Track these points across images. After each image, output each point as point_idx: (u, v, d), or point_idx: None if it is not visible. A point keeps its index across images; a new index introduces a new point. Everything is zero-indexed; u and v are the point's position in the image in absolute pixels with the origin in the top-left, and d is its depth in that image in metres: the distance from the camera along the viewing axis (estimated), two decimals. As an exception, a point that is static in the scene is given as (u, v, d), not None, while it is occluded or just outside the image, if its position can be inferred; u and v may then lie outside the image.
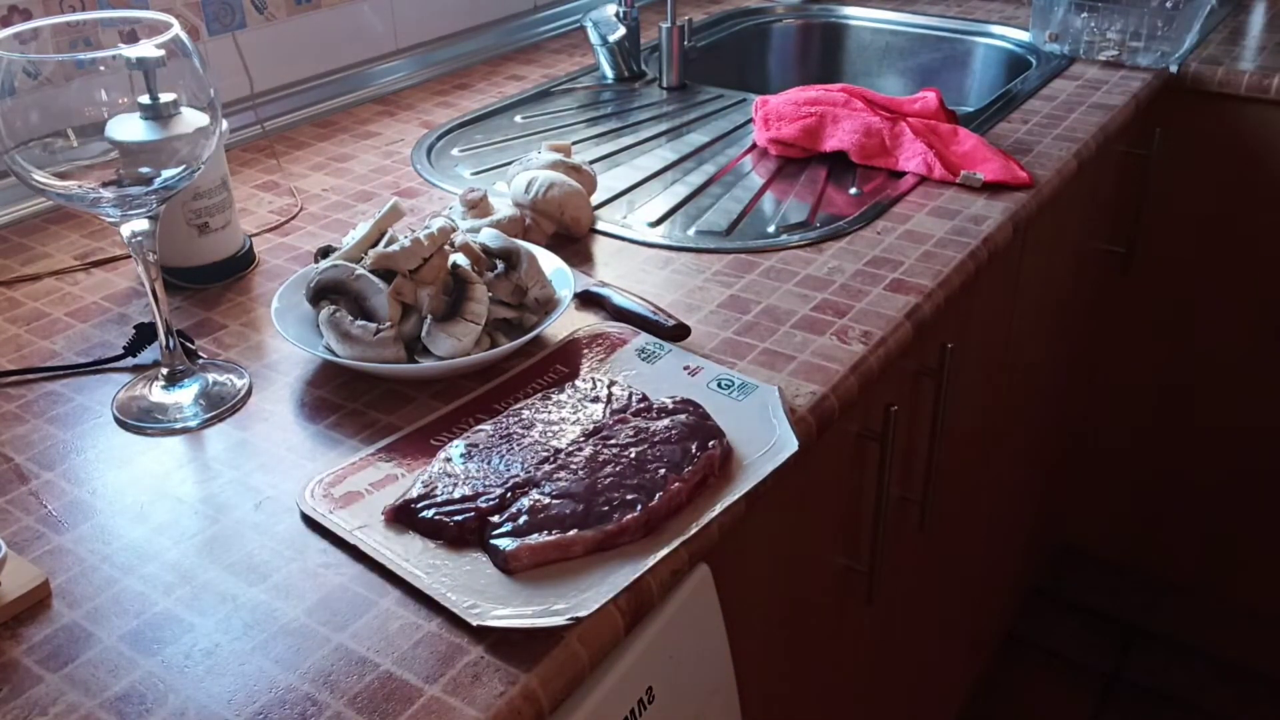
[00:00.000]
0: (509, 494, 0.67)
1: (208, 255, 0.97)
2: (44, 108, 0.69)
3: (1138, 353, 1.77)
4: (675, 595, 0.69)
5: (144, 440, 0.78)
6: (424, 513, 0.66)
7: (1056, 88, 1.42)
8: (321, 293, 0.84)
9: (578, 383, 0.80)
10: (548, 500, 0.66)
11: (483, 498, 0.67)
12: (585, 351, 0.85)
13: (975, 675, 1.68)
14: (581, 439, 0.72)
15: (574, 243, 1.04)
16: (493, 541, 0.64)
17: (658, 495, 0.67)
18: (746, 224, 1.09)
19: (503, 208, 1.02)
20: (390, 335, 0.81)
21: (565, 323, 0.90)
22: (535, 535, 0.64)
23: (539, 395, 0.78)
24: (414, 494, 0.68)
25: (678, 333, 0.86)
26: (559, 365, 0.83)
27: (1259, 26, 1.69)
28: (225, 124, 0.94)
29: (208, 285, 0.97)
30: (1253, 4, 1.77)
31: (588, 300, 0.92)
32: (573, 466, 0.69)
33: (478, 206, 1.02)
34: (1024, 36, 1.63)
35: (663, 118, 1.38)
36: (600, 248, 1.04)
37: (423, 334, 0.82)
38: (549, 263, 0.91)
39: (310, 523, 0.69)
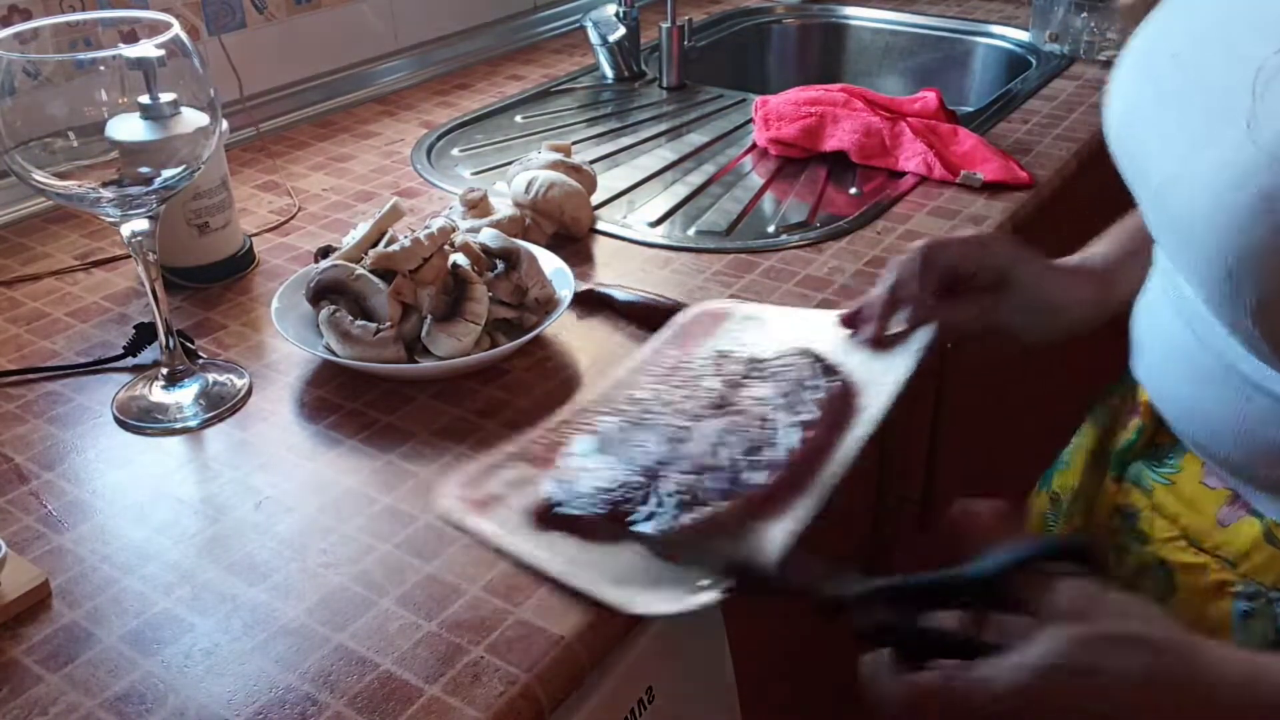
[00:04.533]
0: (648, 480, 0.66)
1: (208, 255, 0.97)
2: (44, 108, 0.69)
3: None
4: (675, 595, 0.69)
5: (144, 440, 0.78)
6: (566, 510, 0.65)
7: (1056, 88, 1.42)
8: (321, 293, 0.84)
9: (689, 361, 0.78)
10: (688, 479, 0.65)
11: (623, 488, 0.66)
12: (691, 330, 0.84)
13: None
14: (706, 413, 0.71)
15: (574, 243, 1.04)
16: (640, 529, 0.63)
17: (794, 450, 0.66)
18: (746, 224, 1.09)
19: (503, 208, 1.02)
20: (390, 335, 0.81)
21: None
22: (685, 515, 0.62)
23: (653, 380, 0.77)
24: (553, 493, 0.67)
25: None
26: (668, 350, 0.81)
27: (1259, 26, 1.68)
28: (225, 124, 0.94)
29: (208, 285, 0.97)
30: (1253, 4, 1.77)
31: (590, 301, 0.92)
32: (704, 442, 0.68)
33: (478, 206, 1.02)
34: (1024, 36, 1.63)
35: (663, 118, 1.38)
36: (600, 248, 1.04)
37: (423, 334, 0.82)
38: (549, 263, 0.91)
39: (448, 529, 0.67)
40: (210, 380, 0.83)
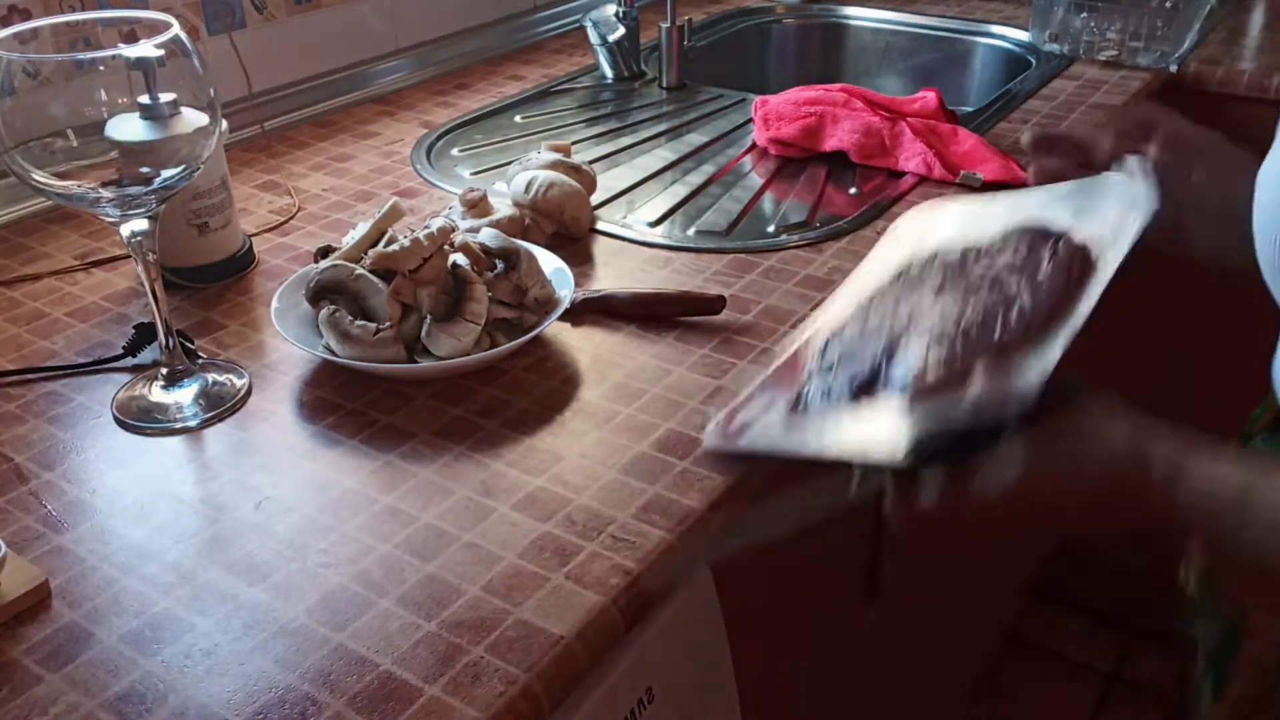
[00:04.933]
0: (886, 358, 0.66)
1: (207, 255, 0.97)
2: (44, 108, 0.70)
3: (1138, 351, 1.77)
4: (675, 595, 0.69)
5: (144, 440, 0.78)
6: (815, 400, 0.66)
7: (1056, 88, 1.42)
8: (321, 293, 0.84)
9: (906, 256, 0.77)
10: (925, 348, 0.65)
11: (865, 368, 0.66)
12: (903, 239, 0.81)
13: (975, 675, 1.68)
14: (933, 296, 0.70)
15: (574, 243, 1.04)
16: (889, 380, 0.64)
17: (1029, 306, 0.65)
18: (746, 224, 1.09)
19: (502, 208, 1.02)
20: (390, 335, 0.81)
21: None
22: (929, 376, 0.63)
23: (872, 289, 0.76)
24: (805, 389, 0.68)
25: (717, 304, 0.88)
26: (887, 256, 0.80)
27: (1259, 26, 1.69)
28: (225, 124, 0.94)
29: (207, 285, 0.97)
30: (1253, 4, 1.77)
31: (595, 307, 0.92)
32: (937, 318, 0.67)
33: (477, 206, 1.02)
34: (1024, 36, 1.63)
35: (662, 118, 1.38)
36: (600, 248, 1.04)
37: (423, 334, 0.82)
38: (549, 263, 0.91)
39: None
40: (210, 380, 0.83)
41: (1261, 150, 0.71)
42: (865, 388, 0.65)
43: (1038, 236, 0.72)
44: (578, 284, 0.94)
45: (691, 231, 1.08)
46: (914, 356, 0.65)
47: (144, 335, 0.87)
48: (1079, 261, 0.68)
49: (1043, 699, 1.77)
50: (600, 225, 1.07)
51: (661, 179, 1.20)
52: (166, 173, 0.73)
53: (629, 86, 1.49)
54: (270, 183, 1.18)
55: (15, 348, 0.89)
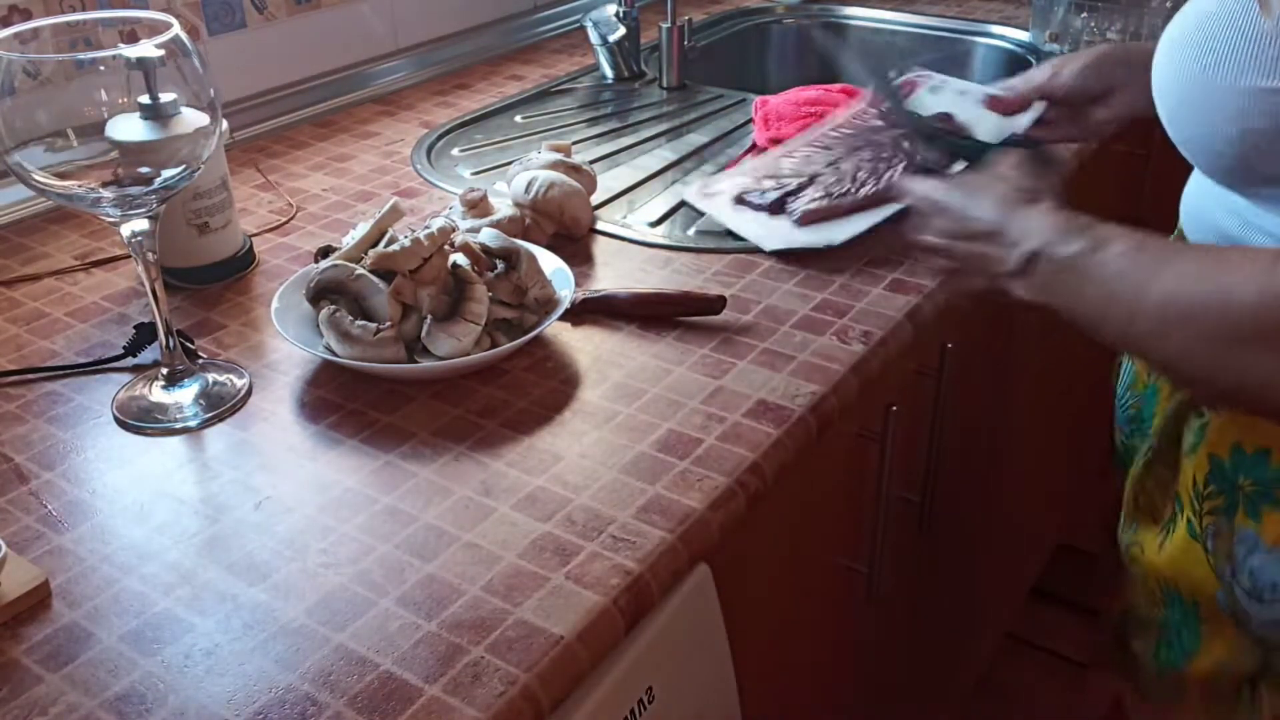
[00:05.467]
0: (805, 183, 1.05)
1: (208, 255, 0.97)
2: (44, 108, 0.70)
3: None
4: (675, 595, 0.69)
5: (144, 440, 0.78)
6: (752, 198, 1.05)
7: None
8: (321, 293, 0.84)
9: (873, 118, 1.10)
10: (827, 184, 1.04)
11: (789, 188, 1.05)
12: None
13: (975, 675, 1.68)
14: (862, 147, 1.06)
15: (574, 243, 1.04)
16: (789, 209, 1.03)
17: (897, 173, 0.99)
18: (746, 224, 1.09)
19: (503, 208, 1.02)
20: (390, 335, 0.81)
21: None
22: (816, 203, 1.01)
23: (848, 126, 1.11)
24: (750, 188, 1.07)
25: (717, 304, 0.90)
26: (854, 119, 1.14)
27: (1259, 26, 1.68)
28: (225, 124, 0.94)
29: (208, 285, 0.97)
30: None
31: (595, 307, 0.92)
32: (850, 164, 1.05)
33: (478, 206, 1.02)
34: (1024, 36, 1.63)
35: (663, 118, 1.38)
36: (600, 248, 1.04)
37: (423, 334, 0.82)
38: (549, 263, 0.91)
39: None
40: (210, 380, 0.83)
41: None
42: (777, 205, 1.04)
43: (943, 124, 1.03)
44: (578, 284, 0.94)
45: (691, 231, 1.07)
46: (809, 196, 1.03)
47: (144, 335, 0.87)
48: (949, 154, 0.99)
49: (1042, 699, 1.77)
50: (600, 225, 1.07)
51: (662, 179, 1.20)
52: (166, 173, 0.73)
53: (629, 86, 1.49)
54: (270, 182, 1.18)
55: (15, 348, 0.89)
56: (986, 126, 1.01)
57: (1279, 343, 0.56)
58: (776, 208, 1.03)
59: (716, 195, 1.07)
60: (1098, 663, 0.92)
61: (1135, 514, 0.86)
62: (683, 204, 1.14)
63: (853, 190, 1.02)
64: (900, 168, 1.01)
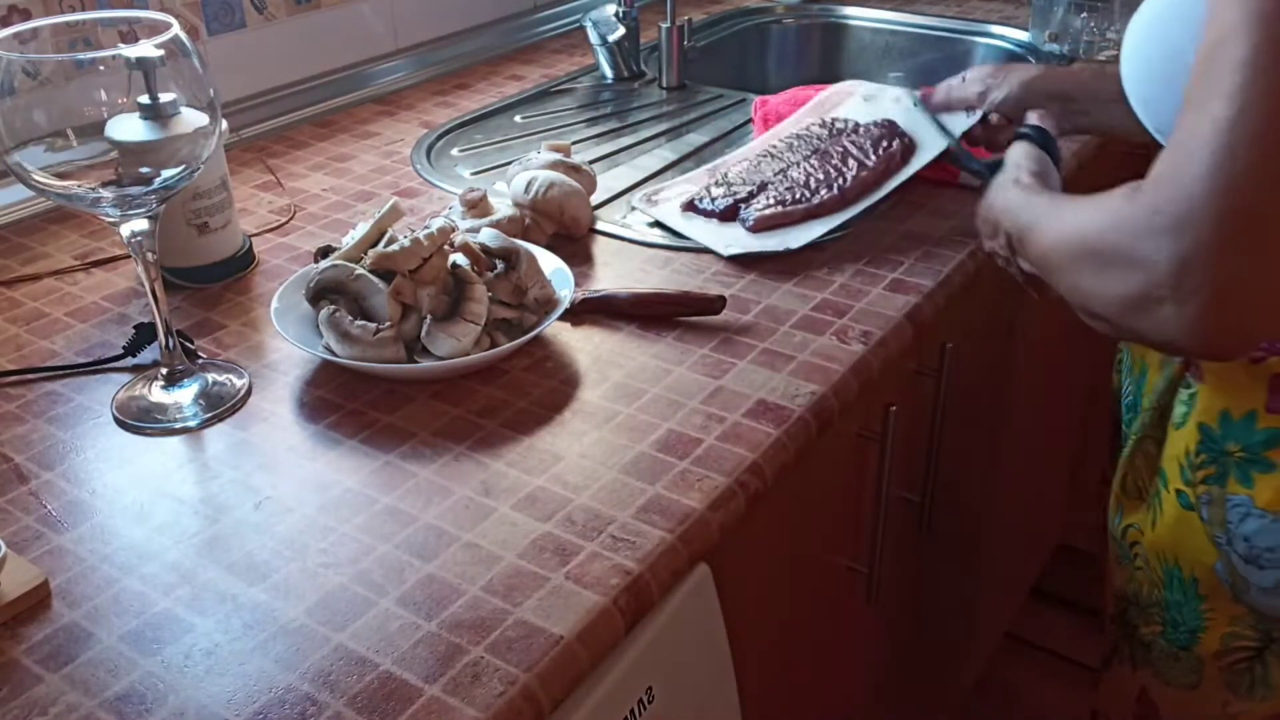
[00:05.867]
0: (755, 190, 1.07)
1: (207, 255, 0.97)
2: (44, 108, 0.69)
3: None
4: (675, 595, 0.69)
5: (144, 440, 0.78)
6: (703, 204, 1.07)
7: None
8: (321, 293, 0.84)
9: (813, 123, 1.18)
10: (779, 191, 1.06)
11: (740, 195, 1.07)
12: (826, 101, 1.23)
13: (975, 675, 1.68)
14: (810, 155, 1.11)
15: (574, 243, 1.04)
16: (741, 216, 1.04)
17: (850, 180, 1.05)
18: (746, 224, 1.09)
19: (503, 208, 1.02)
20: (390, 335, 0.81)
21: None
22: (769, 209, 1.03)
23: (788, 134, 1.17)
24: (699, 195, 1.08)
25: (717, 304, 0.90)
26: (804, 118, 1.21)
27: (1259, 26, 1.68)
28: (225, 124, 0.94)
29: (207, 285, 0.97)
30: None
31: (595, 307, 0.92)
32: (799, 171, 1.09)
33: (477, 206, 1.02)
34: (1024, 36, 1.63)
35: (662, 118, 1.38)
36: (600, 248, 1.04)
37: (422, 334, 0.82)
38: (549, 263, 0.91)
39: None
40: (210, 380, 0.83)
41: None
42: (729, 211, 1.05)
43: (889, 132, 1.11)
44: (578, 284, 0.94)
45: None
46: (762, 203, 1.05)
47: (144, 335, 0.87)
48: (897, 161, 1.08)
49: (1042, 698, 1.77)
50: (600, 225, 1.07)
51: (661, 179, 1.20)
52: (166, 173, 0.73)
53: (629, 86, 1.49)
54: (270, 183, 1.18)
55: (15, 348, 0.89)
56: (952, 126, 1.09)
57: (1104, 261, 0.63)
58: (729, 214, 1.05)
59: (663, 202, 1.09)
60: (1111, 660, 0.92)
61: (1123, 497, 0.88)
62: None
63: (807, 197, 1.04)
64: (852, 175, 1.05)
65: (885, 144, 1.09)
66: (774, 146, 1.15)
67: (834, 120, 1.17)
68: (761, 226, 1.02)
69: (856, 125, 1.14)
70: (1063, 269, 0.69)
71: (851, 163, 1.07)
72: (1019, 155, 0.85)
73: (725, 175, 1.11)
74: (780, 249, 0.99)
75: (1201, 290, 0.57)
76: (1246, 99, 0.54)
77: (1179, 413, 0.80)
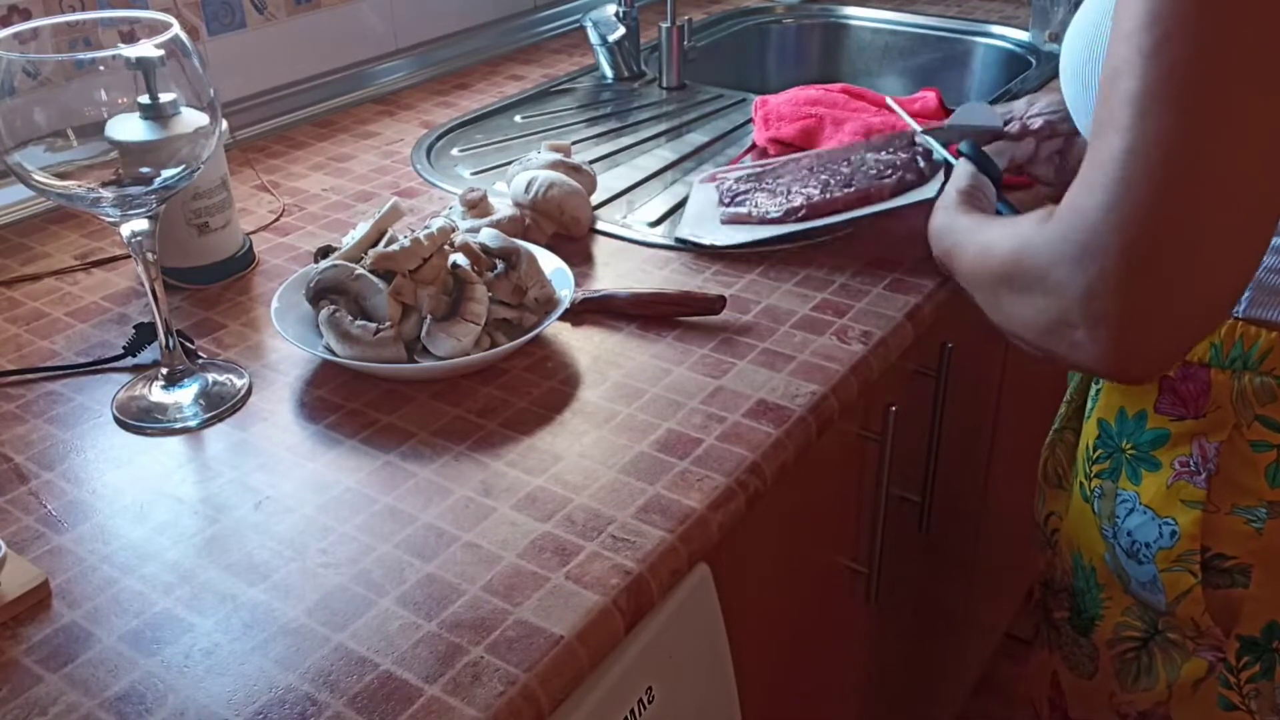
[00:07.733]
0: (760, 198, 1.07)
1: (207, 255, 0.97)
2: (44, 108, 0.69)
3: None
4: (675, 595, 0.69)
5: (144, 440, 0.78)
6: (726, 195, 1.08)
7: (1056, 87, 1.42)
8: (321, 293, 0.84)
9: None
10: (769, 196, 1.06)
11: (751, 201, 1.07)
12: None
13: (975, 674, 1.68)
14: (808, 174, 1.09)
15: (574, 243, 1.04)
16: (754, 220, 1.04)
17: (821, 198, 1.03)
18: (746, 224, 1.09)
19: (503, 208, 1.02)
20: (390, 335, 0.81)
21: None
22: (748, 210, 1.05)
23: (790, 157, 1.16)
24: (725, 192, 1.09)
25: (717, 304, 0.90)
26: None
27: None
28: (225, 124, 0.94)
29: (207, 285, 0.97)
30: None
31: (595, 307, 0.92)
32: (809, 180, 1.07)
33: (477, 206, 1.02)
34: (1024, 36, 1.63)
35: (663, 118, 1.38)
36: (600, 248, 1.04)
37: (422, 334, 0.82)
38: (549, 263, 0.91)
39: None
40: (210, 380, 0.83)
41: None
42: (739, 210, 1.05)
43: (909, 160, 1.06)
44: (578, 284, 0.94)
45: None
46: (771, 204, 1.05)
47: (144, 335, 0.87)
48: (914, 174, 1.04)
49: (1043, 699, 1.77)
50: (600, 225, 1.07)
51: (662, 179, 1.20)
52: (166, 173, 0.73)
53: (629, 86, 1.49)
54: (270, 182, 1.18)
55: (15, 348, 0.89)
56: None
57: (1020, 286, 0.64)
58: (740, 213, 1.07)
59: (710, 188, 1.12)
60: (1033, 643, 0.94)
61: (1044, 485, 0.91)
62: (683, 204, 1.14)
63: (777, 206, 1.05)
64: (825, 195, 1.05)
65: (890, 173, 1.05)
66: (790, 160, 1.14)
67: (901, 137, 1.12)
68: (732, 221, 1.05)
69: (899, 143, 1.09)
70: (983, 290, 0.71)
71: (864, 173, 1.06)
72: (955, 174, 0.86)
73: (750, 176, 1.11)
74: (723, 243, 1.01)
75: (1109, 318, 0.57)
76: (1138, 133, 0.54)
77: (1089, 407, 0.83)
